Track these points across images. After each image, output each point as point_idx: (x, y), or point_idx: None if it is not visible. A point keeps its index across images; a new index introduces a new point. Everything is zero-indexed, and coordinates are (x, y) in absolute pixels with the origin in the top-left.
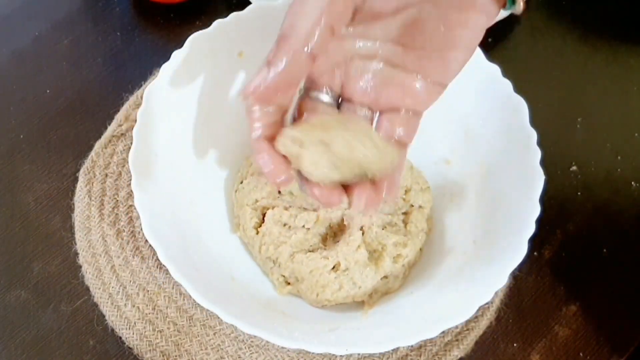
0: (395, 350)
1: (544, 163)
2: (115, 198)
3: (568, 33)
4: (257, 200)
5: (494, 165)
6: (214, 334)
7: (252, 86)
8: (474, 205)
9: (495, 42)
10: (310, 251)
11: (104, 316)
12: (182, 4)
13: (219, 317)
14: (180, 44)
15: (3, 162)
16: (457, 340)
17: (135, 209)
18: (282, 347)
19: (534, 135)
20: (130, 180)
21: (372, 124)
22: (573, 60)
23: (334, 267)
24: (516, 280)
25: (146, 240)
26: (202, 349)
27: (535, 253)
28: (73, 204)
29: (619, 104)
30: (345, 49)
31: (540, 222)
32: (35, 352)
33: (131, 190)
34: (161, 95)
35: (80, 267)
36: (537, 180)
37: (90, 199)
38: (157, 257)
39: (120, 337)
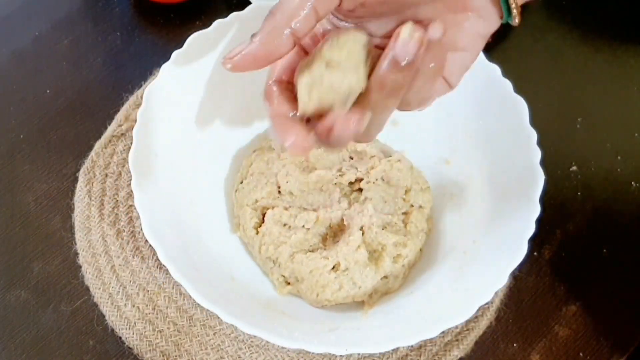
0: (395, 350)
1: (544, 163)
2: (115, 198)
3: (568, 33)
4: (257, 200)
5: (493, 165)
6: (214, 334)
7: (232, 53)
8: (474, 205)
9: (495, 42)
10: (310, 251)
11: (104, 316)
12: (182, 4)
13: (219, 317)
14: (180, 44)
15: (3, 162)
16: (457, 340)
17: (135, 209)
18: (282, 347)
19: (534, 135)
20: (130, 180)
21: None
22: (573, 60)
23: (333, 267)
24: (516, 280)
25: (146, 240)
26: (202, 349)
27: (535, 253)
28: (73, 204)
29: (619, 104)
30: None
31: (540, 222)
32: (35, 352)
33: (131, 190)
34: (161, 95)
35: (80, 267)
36: (537, 180)
37: (90, 199)
38: (157, 257)
39: (120, 337)
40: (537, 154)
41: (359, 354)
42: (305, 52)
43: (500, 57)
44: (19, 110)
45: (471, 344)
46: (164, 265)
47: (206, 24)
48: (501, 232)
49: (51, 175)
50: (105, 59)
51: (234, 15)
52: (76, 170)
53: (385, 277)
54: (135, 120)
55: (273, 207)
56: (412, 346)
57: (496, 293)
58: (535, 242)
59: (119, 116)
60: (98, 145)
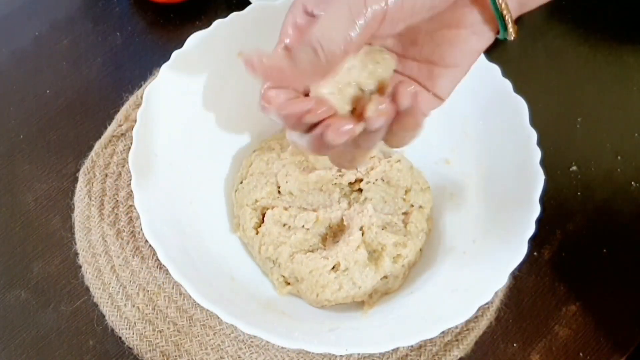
0: (395, 350)
1: (544, 163)
2: (115, 198)
3: (568, 33)
4: (256, 200)
5: (494, 165)
6: (214, 334)
7: (260, 61)
8: (474, 205)
9: (495, 42)
10: (310, 251)
11: (104, 316)
12: (182, 4)
13: (219, 317)
14: (180, 44)
15: (3, 162)
16: (457, 340)
17: (135, 209)
18: (282, 347)
19: (534, 135)
20: (130, 180)
21: None
22: (573, 60)
23: (333, 267)
24: (516, 280)
25: (146, 240)
26: (202, 349)
27: (535, 253)
28: (73, 204)
29: (619, 104)
30: None
31: (540, 222)
32: (35, 352)
33: (131, 190)
34: (161, 95)
35: (80, 267)
36: (537, 180)
37: (90, 199)
38: (157, 257)
39: (120, 337)
40: (537, 154)
41: (359, 354)
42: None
43: (500, 57)
44: (19, 110)
45: (471, 344)
46: (164, 265)
47: (206, 24)
48: (501, 232)
49: (51, 175)
50: (105, 59)
51: (234, 15)
52: (76, 170)
53: (385, 277)
54: (135, 120)
55: (273, 207)
56: (412, 346)
57: (496, 293)
58: (535, 242)
59: (119, 116)
60: (98, 145)
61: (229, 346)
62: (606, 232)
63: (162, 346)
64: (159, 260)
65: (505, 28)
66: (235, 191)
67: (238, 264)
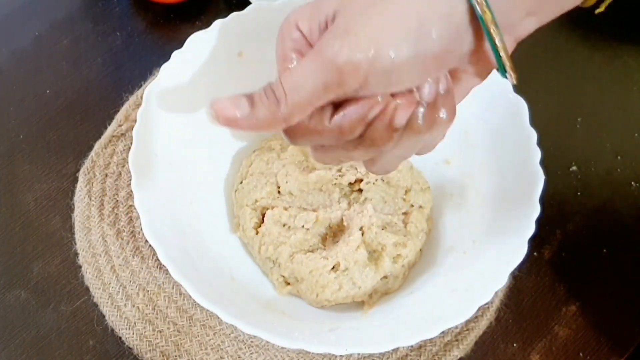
0: (395, 350)
1: (544, 163)
2: (115, 198)
3: (568, 33)
4: (256, 201)
5: (493, 165)
6: (214, 334)
7: (225, 115)
8: (474, 205)
9: None
10: (309, 251)
11: (104, 316)
12: (182, 4)
13: (219, 317)
14: (180, 44)
15: (3, 162)
16: (457, 340)
17: (135, 209)
18: (282, 347)
19: (534, 135)
20: (130, 180)
21: None
22: (573, 60)
23: (333, 267)
24: (516, 280)
25: (146, 240)
26: (202, 349)
27: (535, 253)
28: (73, 204)
29: (619, 104)
30: None
31: (540, 222)
32: (35, 352)
33: (131, 190)
34: (161, 95)
35: (80, 267)
36: (537, 180)
37: (90, 199)
38: (157, 257)
39: (120, 337)
40: (537, 154)
41: (359, 354)
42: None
43: None
44: (19, 110)
45: (471, 344)
46: (164, 265)
47: (206, 24)
48: (501, 232)
49: (51, 175)
50: (105, 59)
51: (234, 15)
52: (76, 170)
53: (385, 277)
54: (135, 120)
55: (273, 207)
56: (412, 346)
57: (496, 293)
58: (535, 242)
59: (119, 116)
60: (98, 145)
61: (229, 346)
62: (606, 232)
63: (162, 346)
64: (159, 260)
65: (505, 71)
66: (235, 191)
67: (238, 264)
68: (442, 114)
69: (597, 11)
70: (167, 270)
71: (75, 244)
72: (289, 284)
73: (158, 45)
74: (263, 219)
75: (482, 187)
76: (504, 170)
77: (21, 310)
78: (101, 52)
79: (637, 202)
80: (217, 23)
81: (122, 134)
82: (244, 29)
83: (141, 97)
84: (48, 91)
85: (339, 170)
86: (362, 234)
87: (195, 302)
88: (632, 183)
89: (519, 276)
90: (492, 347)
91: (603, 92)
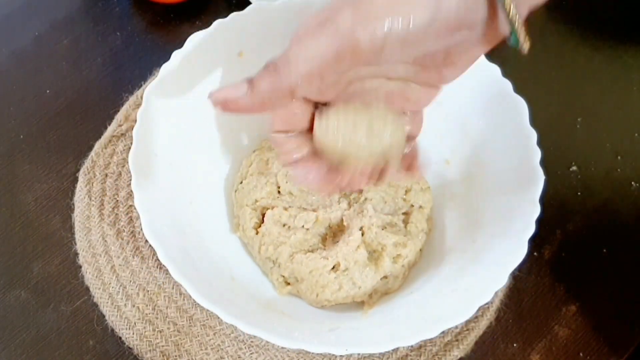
0: (395, 350)
1: (544, 163)
2: (115, 198)
3: (568, 33)
4: (256, 201)
5: (493, 165)
6: (214, 334)
7: (224, 97)
8: (474, 205)
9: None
10: (309, 251)
11: (104, 316)
12: (182, 4)
13: (219, 317)
14: (180, 44)
15: (3, 162)
16: (457, 340)
17: (135, 209)
18: (282, 347)
19: (534, 135)
20: (130, 180)
21: None
22: (573, 60)
23: (333, 267)
24: (516, 280)
25: (146, 240)
26: (202, 349)
27: (535, 253)
28: (73, 204)
29: (619, 104)
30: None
31: (540, 222)
32: (35, 352)
33: (131, 190)
34: (161, 95)
35: (80, 267)
36: (537, 180)
37: (90, 199)
38: (157, 257)
39: (120, 337)
40: (537, 154)
41: (359, 354)
42: None
43: (500, 57)
44: (19, 110)
45: (471, 344)
46: (164, 265)
47: (206, 24)
48: (501, 232)
49: (51, 175)
50: (105, 59)
51: (234, 15)
52: (76, 170)
53: (385, 277)
54: (135, 120)
55: (273, 207)
56: (412, 346)
57: (496, 293)
58: (535, 242)
59: (119, 116)
60: (98, 145)
61: (229, 346)
62: (606, 232)
63: (162, 346)
64: (159, 260)
65: (518, 42)
66: (235, 191)
67: (238, 264)
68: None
69: None
70: (167, 270)
71: (75, 244)
72: (289, 284)
73: (158, 45)
74: (263, 219)
75: (482, 187)
76: (504, 170)
77: (21, 310)
78: (101, 52)
79: (637, 202)
80: (217, 23)
81: (122, 134)
82: (244, 29)
83: (141, 97)
84: (48, 91)
85: None
86: (362, 234)
87: (195, 302)
88: (632, 183)
89: (519, 276)
90: (492, 347)
91: (603, 92)
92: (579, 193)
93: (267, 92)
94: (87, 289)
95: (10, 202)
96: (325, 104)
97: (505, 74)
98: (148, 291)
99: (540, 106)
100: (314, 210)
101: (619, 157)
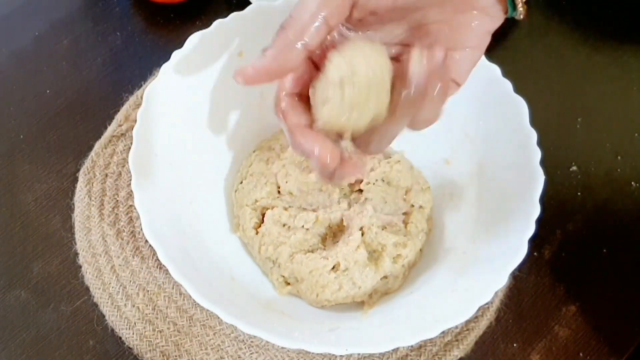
0: (395, 350)
1: (544, 163)
2: (115, 198)
3: (568, 33)
4: (256, 201)
5: (494, 165)
6: (214, 334)
7: (244, 67)
8: (474, 205)
9: (495, 42)
10: (309, 251)
11: (104, 316)
12: (182, 4)
13: (219, 317)
14: (180, 44)
15: (3, 162)
16: (457, 340)
17: (135, 209)
18: (282, 347)
19: (534, 135)
20: (130, 180)
21: None
22: (573, 60)
23: (333, 268)
24: (516, 280)
25: (146, 240)
26: (202, 349)
27: (535, 253)
28: (73, 204)
29: (619, 104)
30: None
31: (540, 222)
32: (35, 352)
33: (131, 190)
34: (161, 95)
35: (80, 267)
36: (537, 180)
37: (90, 199)
38: (157, 257)
39: (120, 337)
40: (537, 154)
41: (359, 354)
42: (313, 62)
43: (500, 57)
44: (19, 110)
45: (471, 344)
46: (164, 265)
47: (206, 24)
48: (501, 232)
49: (51, 175)
50: (105, 59)
51: (234, 15)
52: (76, 170)
53: (385, 277)
54: (135, 120)
55: (273, 207)
56: (412, 346)
57: (496, 293)
58: (535, 242)
59: (119, 116)
60: (98, 145)
61: (229, 346)
62: (606, 232)
63: (162, 346)
64: (159, 260)
65: (515, 7)
66: (235, 191)
67: (238, 264)
68: (435, 90)
69: None
70: (167, 270)
71: (75, 244)
72: (289, 284)
73: (158, 45)
74: (263, 219)
75: (482, 187)
76: (504, 170)
77: (21, 310)
78: (101, 52)
79: (637, 202)
80: (217, 23)
81: (122, 134)
82: (244, 29)
83: (141, 97)
84: (48, 91)
85: None
86: (362, 234)
87: (195, 302)
88: (632, 183)
89: (519, 276)
90: (492, 347)
91: (603, 92)
92: (579, 193)
93: (279, 50)
94: (87, 289)
95: (10, 202)
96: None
97: (505, 74)
98: (148, 291)
99: (540, 106)
100: (314, 210)
101: (619, 157)
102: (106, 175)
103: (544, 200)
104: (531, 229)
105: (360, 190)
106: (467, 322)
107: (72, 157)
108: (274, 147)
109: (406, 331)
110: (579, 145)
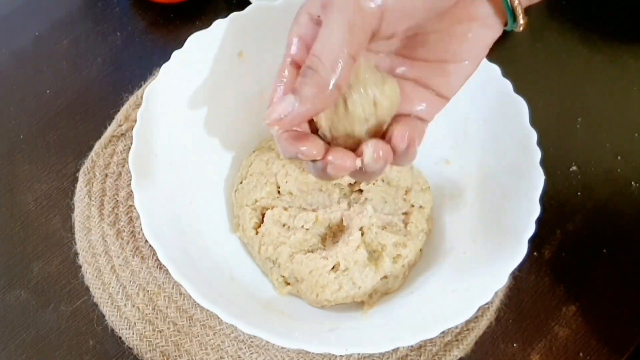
0: (395, 350)
1: (544, 163)
2: (115, 198)
3: (568, 33)
4: (256, 201)
5: (494, 165)
6: (214, 334)
7: (278, 115)
8: (474, 205)
9: (495, 42)
10: (309, 251)
11: (104, 316)
12: (182, 4)
13: (219, 317)
14: (180, 44)
15: (3, 162)
16: (457, 340)
17: (135, 209)
18: (282, 347)
19: (534, 135)
20: (130, 180)
21: None
22: (573, 60)
23: (333, 268)
24: (516, 280)
25: (146, 240)
26: (202, 349)
27: (535, 253)
28: (73, 204)
29: (619, 104)
30: None
31: (540, 222)
32: (35, 352)
33: (131, 190)
34: (161, 95)
35: (80, 267)
36: (537, 180)
37: (90, 199)
38: (157, 257)
39: (120, 337)
40: (537, 154)
41: (359, 354)
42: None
43: (500, 57)
44: (19, 110)
45: (471, 344)
46: (164, 265)
47: (206, 24)
48: (501, 232)
49: (51, 175)
50: (105, 59)
51: (233, 15)
52: (76, 170)
53: (385, 277)
54: (135, 120)
55: (273, 207)
56: (412, 346)
57: (496, 293)
58: (535, 242)
59: (119, 116)
60: (98, 145)
61: (229, 346)
62: (606, 232)
63: (162, 346)
64: (159, 260)
65: (515, 19)
66: (235, 191)
67: (238, 264)
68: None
69: None
70: (167, 270)
71: (75, 244)
72: (289, 284)
73: (158, 45)
74: (263, 219)
75: (482, 187)
76: (504, 170)
77: (21, 310)
78: (101, 52)
79: (637, 202)
80: (217, 23)
81: (122, 134)
82: (244, 29)
83: (141, 97)
84: (48, 91)
85: None
86: (362, 234)
87: (195, 302)
88: (632, 183)
89: (519, 276)
90: (492, 347)
91: (603, 92)
92: (579, 193)
93: (314, 95)
94: (87, 289)
95: (10, 202)
96: None
97: (505, 74)
98: (148, 291)
99: (540, 106)
100: (313, 210)
101: (619, 157)
102: (106, 175)
103: (544, 200)
104: (531, 229)
105: (360, 190)
106: (467, 322)
107: (72, 157)
108: (274, 147)
109: (406, 331)
110: (579, 145)
